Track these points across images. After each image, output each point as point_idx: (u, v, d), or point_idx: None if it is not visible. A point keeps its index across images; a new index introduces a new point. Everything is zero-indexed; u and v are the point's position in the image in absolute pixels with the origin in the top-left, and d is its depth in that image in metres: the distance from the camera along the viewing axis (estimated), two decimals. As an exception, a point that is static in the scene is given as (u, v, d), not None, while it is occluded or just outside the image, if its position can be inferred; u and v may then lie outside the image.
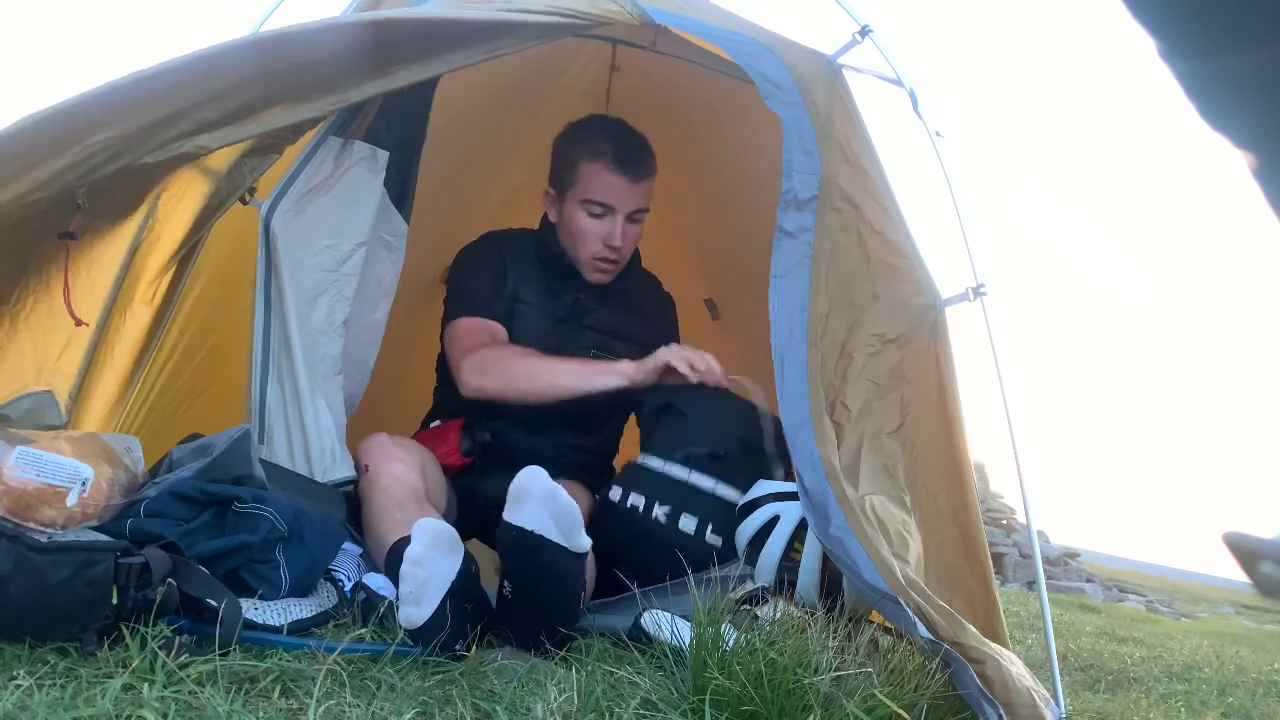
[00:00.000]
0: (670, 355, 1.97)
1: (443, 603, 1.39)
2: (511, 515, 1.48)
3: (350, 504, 1.84)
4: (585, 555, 1.50)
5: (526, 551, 1.47)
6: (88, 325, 1.63)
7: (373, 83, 1.66)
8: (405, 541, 1.44)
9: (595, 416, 2.25)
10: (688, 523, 1.82)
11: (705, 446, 1.89)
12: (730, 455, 1.89)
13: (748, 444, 1.91)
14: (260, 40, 1.56)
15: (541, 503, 1.46)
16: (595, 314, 2.27)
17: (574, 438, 2.20)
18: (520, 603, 1.51)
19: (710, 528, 1.81)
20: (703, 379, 1.95)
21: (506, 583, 1.53)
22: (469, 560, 1.49)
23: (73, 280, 1.58)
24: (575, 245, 2.20)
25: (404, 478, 1.85)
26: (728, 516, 1.81)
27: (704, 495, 1.85)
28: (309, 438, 1.85)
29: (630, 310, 2.33)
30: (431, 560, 1.40)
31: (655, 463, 1.90)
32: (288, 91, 1.59)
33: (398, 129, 2.00)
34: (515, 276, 2.24)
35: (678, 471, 1.87)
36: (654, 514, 1.81)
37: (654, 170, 2.21)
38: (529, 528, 1.46)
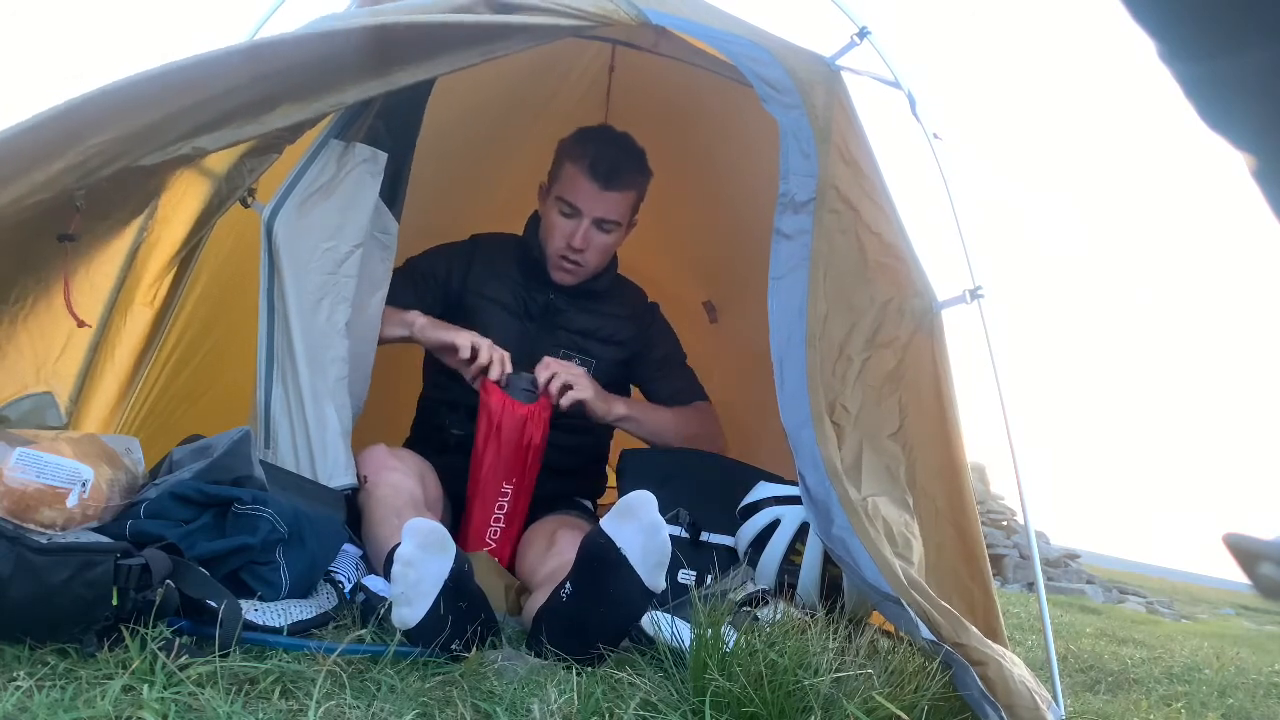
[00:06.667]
0: (459, 339, 2.08)
1: (436, 602, 1.39)
2: (609, 524, 1.49)
3: (351, 511, 1.84)
4: (652, 596, 1.50)
5: (603, 564, 1.48)
6: (90, 326, 1.63)
7: (371, 84, 1.67)
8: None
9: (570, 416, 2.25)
10: (686, 576, 1.84)
11: (688, 505, 1.94)
12: (713, 507, 1.93)
13: (728, 494, 1.95)
14: (255, 46, 1.58)
15: (641, 529, 1.48)
16: (567, 314, 2.35)
17: (555, 436, 2.18)
18: (572, 608, 1.51)
19: (710, 578, 1.81)
20: (479, 370, 2.06)
21: (568, 584, 1.53)
22: (461, 559, 1.48)
23: (73, 282, 1.58)
24: (546, 239, 2.31)
25: (403, 486, 1.88)
26: (720, 561, 1.82)
27: (700, 546, 1.89)
28: (313, 443, 1.85)
29: (605, 313, 2.39)
30: (422, 560, 1.39)
31: None
32: (285, 94, 1.59)
33: (395, 129, 2.01)
34: (483, 274, 2.34)
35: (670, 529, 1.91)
36: None
37: (634, 185, 2.27)
38: (618, 543, 1.47)
